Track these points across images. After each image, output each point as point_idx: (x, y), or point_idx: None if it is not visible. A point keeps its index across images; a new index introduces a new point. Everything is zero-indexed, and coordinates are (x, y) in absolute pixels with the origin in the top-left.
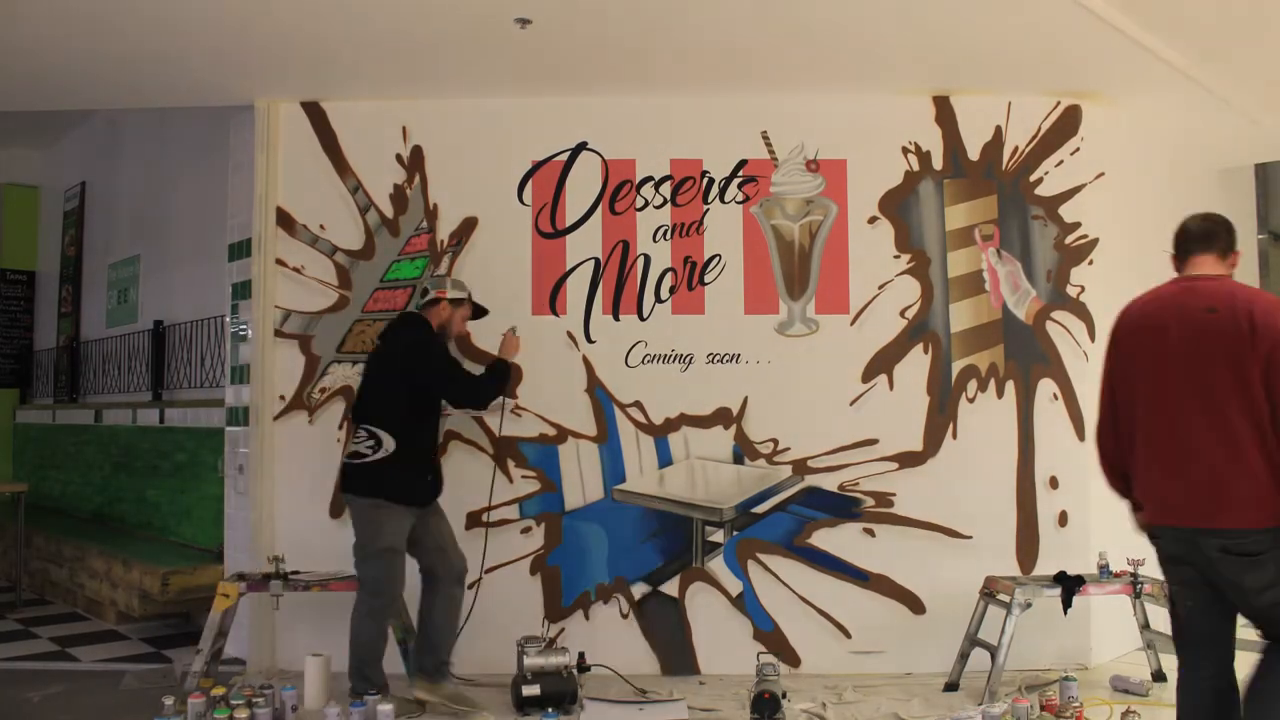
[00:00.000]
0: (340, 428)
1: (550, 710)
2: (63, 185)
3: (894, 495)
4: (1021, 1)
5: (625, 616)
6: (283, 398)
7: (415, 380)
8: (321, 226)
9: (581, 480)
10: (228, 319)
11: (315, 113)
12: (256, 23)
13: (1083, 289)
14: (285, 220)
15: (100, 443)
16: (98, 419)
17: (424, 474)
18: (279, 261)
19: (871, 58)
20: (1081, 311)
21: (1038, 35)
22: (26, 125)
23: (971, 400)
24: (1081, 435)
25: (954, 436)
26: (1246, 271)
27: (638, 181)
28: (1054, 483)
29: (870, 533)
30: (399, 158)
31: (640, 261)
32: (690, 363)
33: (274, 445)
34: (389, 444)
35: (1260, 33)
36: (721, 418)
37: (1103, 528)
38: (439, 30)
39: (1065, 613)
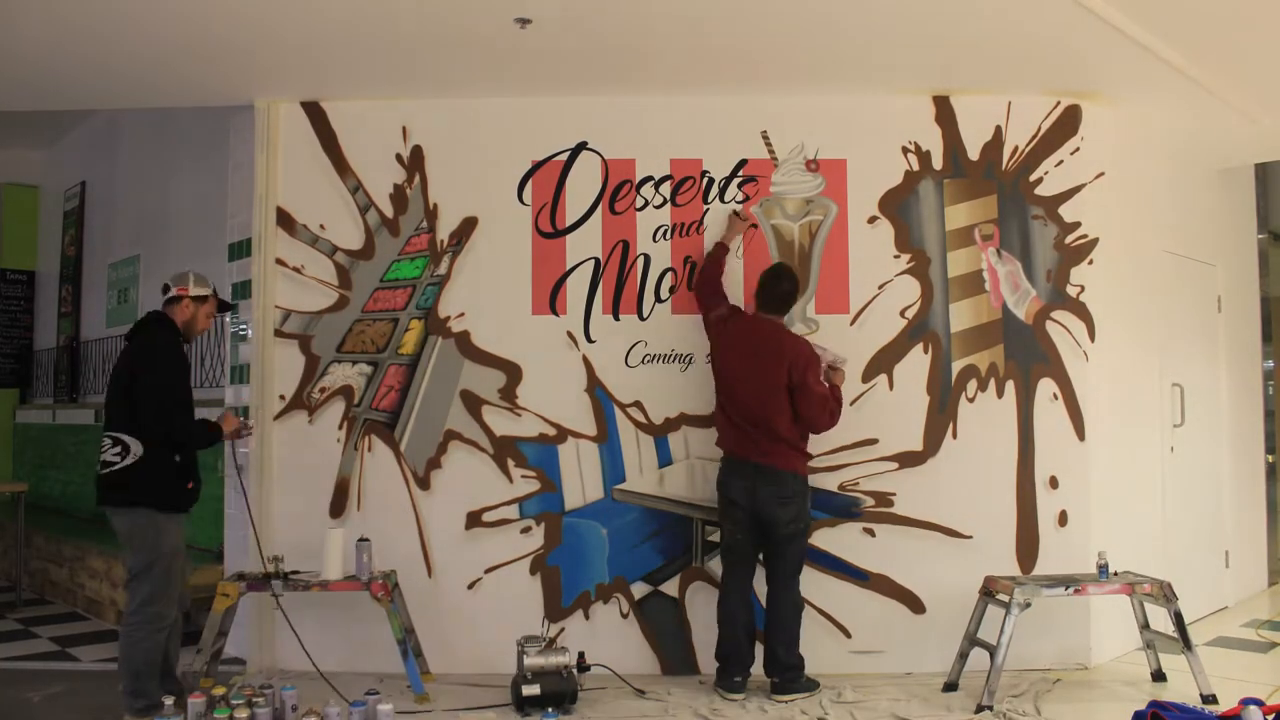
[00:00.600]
0: (340, 427)
1: (550, 710)
2: (63, 185)
3: (894, 495)
4: (1021, 1)
5: (625, 616)
6: (282, 397)
7: (139, 383)
8: (321, 226)
9: (581, 480)
10: (227, 318)
11: (315, 113)
12: (257, 23)
13: (1082, 289)
14: (285, 220)
15: (100, 442)
16: (98, 419)
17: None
18: (279, 261)
19: (871, 58)
20: (1081, 311)
21: (1038, 35)
22: (27, 125)
23: (971, 400)
24: (1081, 435)
25: (954, 436)
26: (1247, 271)
27: (638, 181)
28: (1054, 482)
29: (870, 532)
30: (399, 157)
31: (640, 261)
32: (690, 363)
33: (274, 445)
34: (136, 449)
35: (1259, 33)
36: None
37: (1103, 527)
38: (439, 30)
39: None
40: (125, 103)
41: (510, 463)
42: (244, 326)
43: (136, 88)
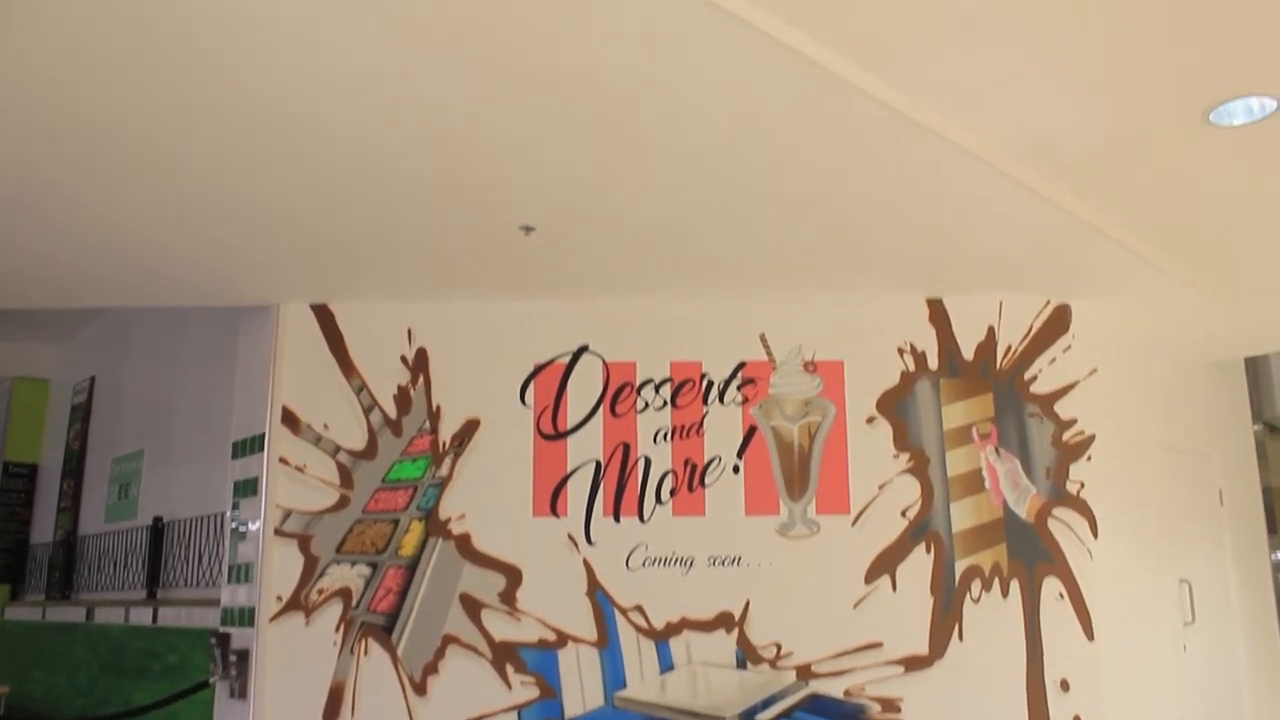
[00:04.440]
0: (337, 629)
1: None
2: (73, 379)
3: (901, 700)
4: (1011, 208)
5: None
6: (280, 598)
7: None
8: (325, 426)
9: (582, 686)
10: (228, 514)
11: (323, 314)
12: (269, 229)
13: (1082, 485)
14: (290, 419)
15: (90, 642)
16: (89, 617)
17: None
18: (282, 460)
19: (866, 262)
20: (1083, 508)
21: (1027, 240)
22: (43, 321)
23: (976, 601)
24: (1091, 635)
25: (960, 638)
26: (1244, 462)
27: (638, 384)
28: (1065, 685)
29: None
30: (403, 359)
31: (641, 463)
32: (691, 565)
33: (268, 648)
34: None
35: (1240, 235)
36: (723, 621)
37: None
38: (446, 236)
39: None
40: (138, 301)
41: (509, 668)
42: (244, 524)
43: (149, 287)
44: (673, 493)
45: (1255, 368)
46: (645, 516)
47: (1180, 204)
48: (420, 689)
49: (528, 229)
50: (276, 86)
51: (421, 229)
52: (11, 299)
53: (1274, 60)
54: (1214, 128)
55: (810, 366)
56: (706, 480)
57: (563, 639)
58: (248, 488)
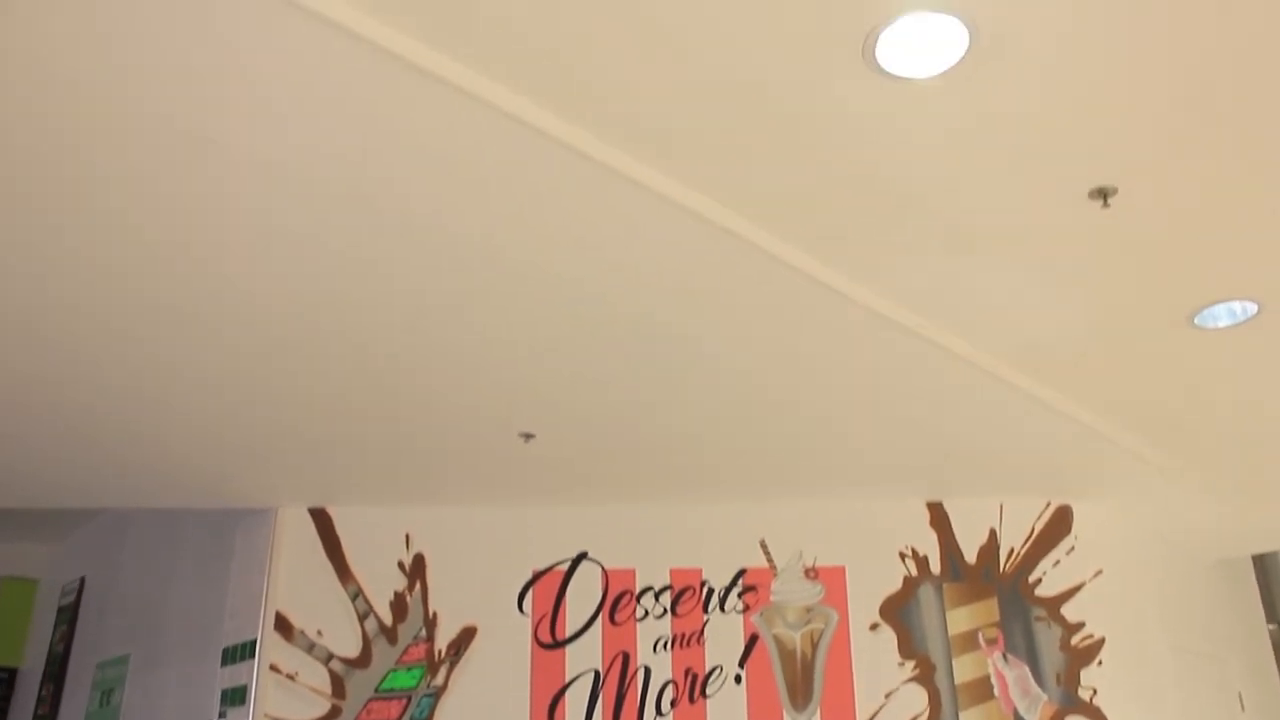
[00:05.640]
0: None
1: None
2: (63, 579)
3: None
4: (1007, 411)
5: None
6: None
7: None
8: (319, 632)
9: None
10: None
11: (321, 518)
12: (268, 434)
13: (1095, 691)
14: (283, 625)
15: None
16: None
17: None
18: (273, 667)
19: (865, 467)
20: (1097, 716)
21: (1025, 442)
22: (35, 519)
23: None
24: None
25: None
26: (1264, 664)
27: (637, 591)
28: None
29: None
30: (401, 564)
31: (641, 673)
32: None
33: None
34: None
35: (1235, 434)
36: None
37: None
38: (446, 443)
39: None
40: (133, 502)
41: None
42: None
43: (146, 489)
44: (673, 704)
45: (1264, 565)
46: None
47: (1173, 404)
48: None
49: (527, 436)
50: (277, 296)
51: (421, 435)
52: (5, 498)
53: (1253, 265)
54: (1199, 330)
55: (811, 572)
56: (708, 691)
57: None
58: (236, 696)
